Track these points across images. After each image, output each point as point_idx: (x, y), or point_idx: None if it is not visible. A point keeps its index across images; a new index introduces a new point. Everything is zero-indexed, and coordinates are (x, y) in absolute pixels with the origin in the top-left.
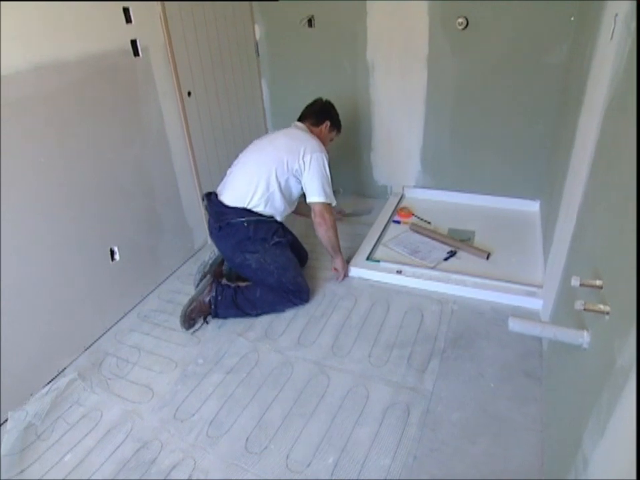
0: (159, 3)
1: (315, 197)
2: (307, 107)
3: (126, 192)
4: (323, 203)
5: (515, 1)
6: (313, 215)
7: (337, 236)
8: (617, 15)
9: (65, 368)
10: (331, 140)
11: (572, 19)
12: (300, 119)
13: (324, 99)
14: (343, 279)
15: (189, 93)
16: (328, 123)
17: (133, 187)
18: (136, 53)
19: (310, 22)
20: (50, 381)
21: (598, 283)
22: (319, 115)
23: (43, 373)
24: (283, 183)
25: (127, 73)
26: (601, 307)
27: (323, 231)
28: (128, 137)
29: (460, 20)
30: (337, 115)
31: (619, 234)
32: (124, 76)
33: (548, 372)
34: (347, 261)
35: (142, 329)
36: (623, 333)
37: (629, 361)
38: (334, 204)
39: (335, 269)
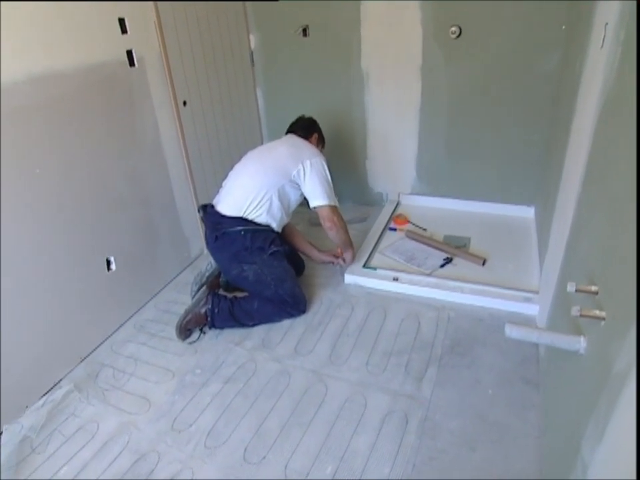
0: (154, 14)
1: (319, 200)
2: (292, 124)
3: (122, 202)
4: (328, 206)
5: (507, 11)
6: (321, 221)
7: (347, 234)
8: (607, 24)
9: (60, 380)
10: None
11: (563, 27)
12: (288, 133)
13: (305, 115)
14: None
15: (185, 103)
16: (316, 135)
17: (129, 197)
18: (131, 63)
19: (304, 31)
20: (45, 393)
21: (593, 288)
22: (307, 129)
23: (38, 385)
24: (280, 190)
25: (123, 83)
26: (597, 312)
27: (334, 234)
28: (124, 147)
29: (453, 29)
30: (320, 129)
31: (614, 239)
32: (120, 86)
33: (545, 378)
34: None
35: (138, 339)
36: (619, 338)
37: (625, 366)
38: (337, 206)
39: (342, 258)
